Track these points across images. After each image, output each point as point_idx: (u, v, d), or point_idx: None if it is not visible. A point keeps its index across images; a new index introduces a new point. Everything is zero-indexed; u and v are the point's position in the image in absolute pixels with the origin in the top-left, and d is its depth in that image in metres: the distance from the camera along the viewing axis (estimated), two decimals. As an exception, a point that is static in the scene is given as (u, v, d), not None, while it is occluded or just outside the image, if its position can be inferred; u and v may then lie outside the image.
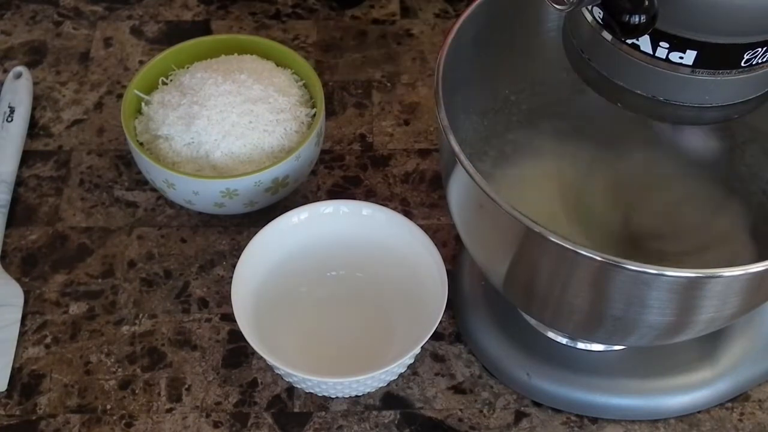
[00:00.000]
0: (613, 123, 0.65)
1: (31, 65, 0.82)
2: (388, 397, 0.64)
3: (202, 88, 0.70)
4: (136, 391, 0.64)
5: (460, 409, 0.64)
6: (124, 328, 0.67)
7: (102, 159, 0.76)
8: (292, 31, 0.85)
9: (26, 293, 0.69)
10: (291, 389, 0.64)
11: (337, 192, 0.74)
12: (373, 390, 0.63)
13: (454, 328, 0.67)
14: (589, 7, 0.49)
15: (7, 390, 0.64)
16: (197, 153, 0.69)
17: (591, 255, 0.48)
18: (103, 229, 0.72)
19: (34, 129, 0.78)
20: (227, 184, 0.67)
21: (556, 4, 0.46)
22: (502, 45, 0.61)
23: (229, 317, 0.67)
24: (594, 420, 0.63)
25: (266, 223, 0.65)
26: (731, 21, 0.45)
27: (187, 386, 0.65)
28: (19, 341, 0.66)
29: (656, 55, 0.48)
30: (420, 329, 0.60)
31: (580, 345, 0.64)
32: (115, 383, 0.65)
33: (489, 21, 0.59)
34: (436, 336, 0.66)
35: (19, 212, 0.73)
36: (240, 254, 0.63)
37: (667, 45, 0.47)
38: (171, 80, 0.73)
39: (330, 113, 0.79)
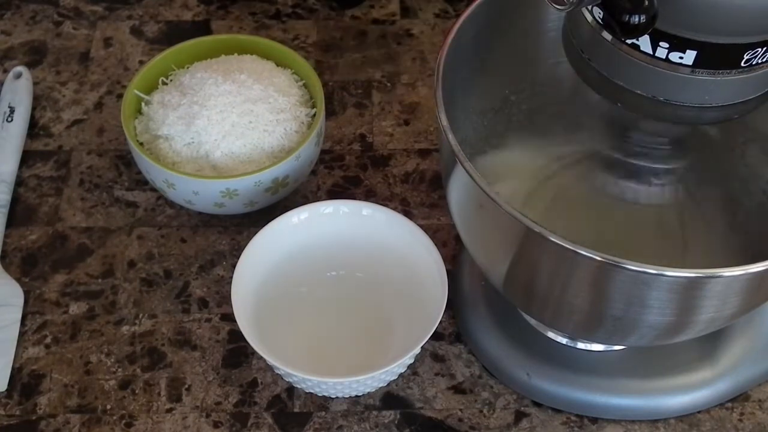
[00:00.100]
0: (612, 122, 0.65)
1: (31, 65, 0.82)
2: (388, 397, 0.64)
3: (202, 88, 0.70)
4: (136, 391, 0.64)
5: (460, 409, 0.64)
6: (124, 328, 0.67)
7: (102, 159, 0.76)
8: (292, 31, 0.85)
9: (26, 293, 0.69)
10: (291, 389, 0.64)
11: (337, 192, 0.74)
12: (373, 390, 0.63)
13: (454, 328, 0.67)
14: (589, 7, 0.49)
15: (7, 390, 0.64)
16: (197, 153, 0.69)
17: (591, 255, 0.48)
18: (103, 229, 0.72)
19: (34, 129, 0.78)
20: (227, 184, 0.67)
21: (556, 4, 0.46)
22: (502, 45, 0.61)
23: (229, 317, 0.67)
24: (594, 420, 0.63)
25: (266, 223, 0.65)
26: (731, 21, 0.45)
27: (187, 386, 0.65)
28: (19, 341, 0.66)
29: (656, 55, 0.48)
30: (420, 329, 0.60)
31: (580, 345, 0.64)
32: (115, 383, 0.65)
33: (489, 21, 0.59)
34: (436, 336, 0.66)
35: (19, 212, 0.73)
36: (240, 254, 0.63)
37: (667, 45, 0.47)
38: (171, 80, 0.73)
39: (330, 113, 0.79)
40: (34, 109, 0.79)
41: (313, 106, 0.72)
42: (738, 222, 0.64)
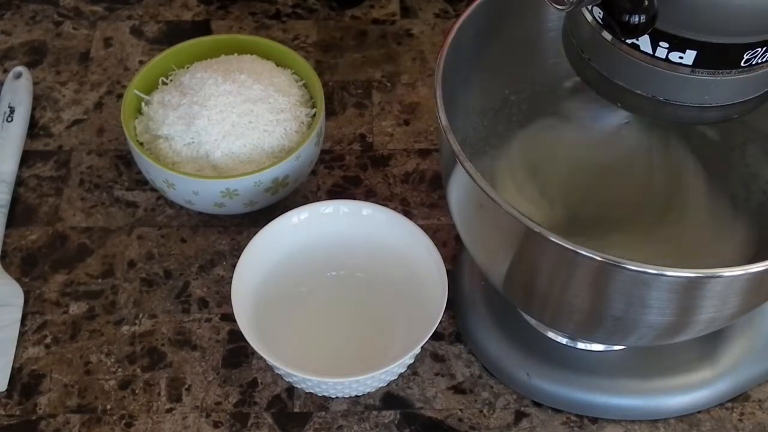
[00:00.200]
0: (612, 123, 0.65)
1: (31, 65, 0.82)
2: (388, 397, 0.64)
3: (202, 88, 0.70)
4: (136, 391, 0.64)
5: (460, 409, 0.64)
6: (124, 328, 0.67)
7: (102, 159, 0.76)
8: (292, 31, 0.85)
9: (26, 293, 0.69)
10: (291, 389, 0.64)
11: (337, 192, 0.74)
12: (373, 390, 0.63)
13: (454, 328, 0.67)
14: (589, 7, 0.49)
15: (7, 390, 0.64)
16: (197, 153, 0.69)
17: (591, 255, 0.48)
18: (103, 229, 0.72)
19: (34, 129, 0.78)
20: (227, 184, 0.67)
21: (556, 4, 0.46)
22: (502, 45, 0.61)
23: (229, 317, 0.67)
24: (594, 420, 0.63)
25: (266, 223, 0.65)
26: (731, 21, 0.45)
27: (187, 386, 0.65)
28: (19, 341, 0.66)
29: (656, 55, 0.48)
30: (420, 329, 0.60)
31: (580, 345, 0.64)
32: (115, 383, 0.65)
33: (489, 21, 0.59)
34: (436, 336, 0.66)
35: (19, 212, 0.73)
36: (240, 254, 0.63)
37: (666, 45, 0.47)
38: (171, 80, 0.73)
39: (330, 113, 0.79)
40: (34, 109, 0.79)
41: (313, 106, 0.72)
42: (738, 222, 0.64)
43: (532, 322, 0.65)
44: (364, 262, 0.67)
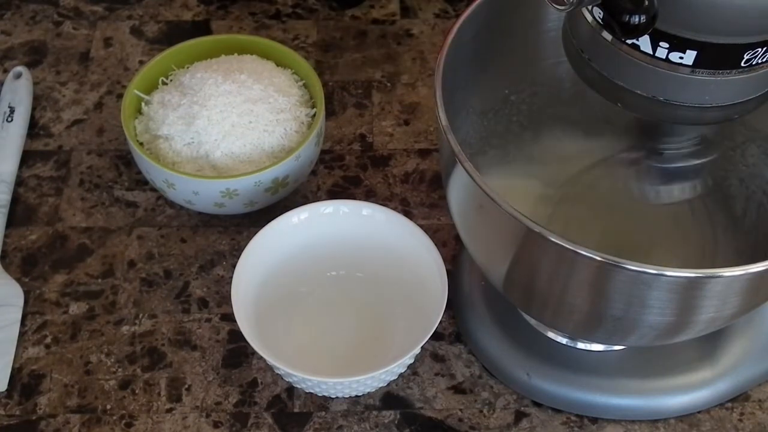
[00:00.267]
0: (612, 123, 0.65)
1: (31, 65, 0.82)
2: (388, 397, 0.64)
3: (202, 88, 0.70)
4: (136, 391, 0.64)
5: (460, 409, 0.64)
6: (124, 328, 0.67)
7: (102, 159, 0.76)
8: (292, 31, 0.85)
9: (26, 293, 0.69)
10: (291, 389, 0.64)
11: (337, 192, 0.74)
12: (373, 390, 0.63)
13: (454, 328, 0.67)
14: (589, 7, 0.49)
15: (7, 390, 0.64)
16: (197, 153, 0.69)
17: (591, 255, 0.48)
18: (103, 229, 0.72)
19: (34, 129, 0.78)
20: (227, 184, 0.67)
21: (556, 4, 0.46)
22: (502, 45, 0.61)
23: (229, 317, 0.67)
24: (594, 420, 0.63)
25: (266, 223, 0.65)
26: (731, 21, 0.45)
27: (187, 386, 0.65)
28: (19, 341, 0.66)
29: (656, 55, 0.48)
30: (420, 329, 0.60)
31: (580, 345, 0.64)
32: (115, 383, 0.65)
33: (489, 21, 0.59)
34: (436, 336, 0.66)
35: (19, 212, 0.73)
36: (240, 254, 0.63)
37: (667, 45, 0.47)
38: (171, 80, 0.73)
39: (330, 113, 0.79)
40: (34, 109, 0.79)
41: (313, 106, 0.72)
42: (738, 222, 0.64)
43: (532, 322, 0.65)
44: (364, 262, 0.67)
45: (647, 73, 0.49)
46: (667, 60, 0.48)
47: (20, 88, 0.79)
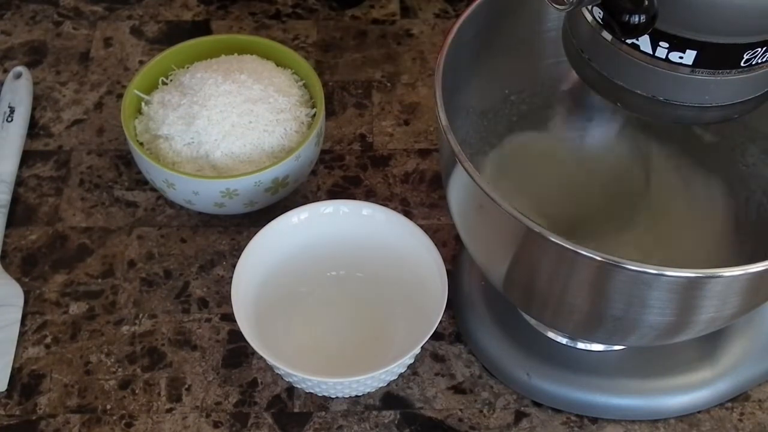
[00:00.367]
0: (613, 123, 0.65)
1: (31, 65, 0.82)
2: (388, 397, 0.64)
3: (202, 88, 0.70)
4: (136, 391, 0.64)
5: (460, 409, 0.64)
6: (124, 328, 0.67)
7: (102, 159, 0.76)
8: (292, 31, 0.85)
9: (26, 293, 0.69)
10: (291, 389, 0.64)
11: (337, 192, 0.74)
12: (373, 390, 0.63)
13: (454, 328, 0.67)
14: (589, 7, 0.49)
15: (7, 390, 0.64)
16: (197, 153, 0.69)
17: (591, 255, 0.48)
18: (103, 229, 0.72)
19: (34, 129, 0.78)
20: (227, 184, 0.67)
21: (556, 4, 0.46)
22: (502, 45, 0.61)
23: (229, 317, 0.67)
24: (594, 420, 0.63)
25: (266, 223, 0.65)
26: (731, 21, 0.45)
27: (187, 386, 0.65)
28: (19, 341, 0.66)
29: (656, 55, 0.48)
30: (420, 329, 0.60)
31: (580, 345, 0.64)
32: (115, 383, 0.65)
33: (489, 21, 0.59)
34: (436, 336, 0.66)
35: (19, 212, 0.73)
36: (240, 254, 0.63)
37: (666, 45, 0.47)
38: (171, 80, 0.73)
39: (330, 113, 0.79)
40: (34, 109, 0.79)
41: (313, 106, 0.72)
42: (738, 222, 0.64)
43: (532, 322, 0.65)
44: (364, 262, 0.67)
45: (647, 73, 0.49)
46: (666, 60, 0.48)
47: (20, 88, 0.79)
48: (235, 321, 0.60)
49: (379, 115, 0.79)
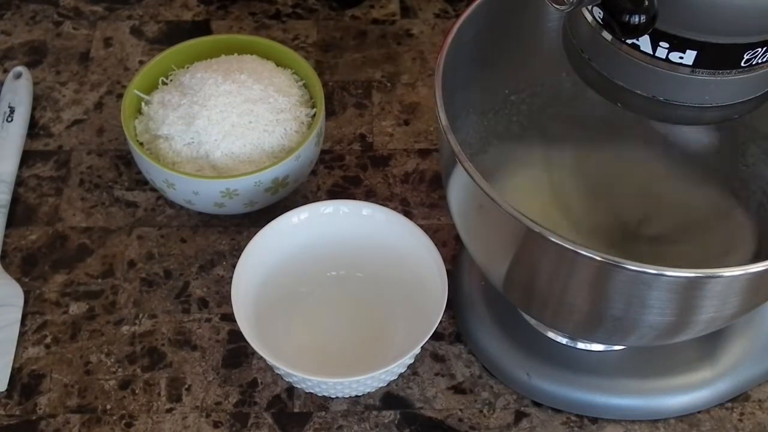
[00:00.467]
0: (613, 123, 0.65)
1: (31, 65, 0.82)
2: (388, 397, 0.64)
3: (202, 88, 0.70)
4: (136, 391, 0.64)
5: (460, 409, 0.64)
6: (124, 328, 0.67)
7: (102, 159, 0.76)
8: (292, 31, 0.85)
9: (26, 293, 0.69)
10: (291, 389, 0.64)
11: (337, 192, 0.74)
12: (373, 390, 0.63)
13: (454, 328, 0.67)
14: (589, 7, 0.49)
15: (7, 390, 0.64)
16: (197, 153, 0.69)
17: (591, 255, 0.48)
18: (103, 229, 0.72)
19: (34, 129, 0.78)
20: (227, 184, 0.67)
21: (556, 4, 0.46)
22: (502, 45, 0.61)
23: (229, 317, 0.67)
24: (594, 420, 0.63)
25: (266, 223, 0.65)
26: (731, 21, 0.45)
27: (187, 386, 0.65)
28: (19, 341, 0.66)
29: (656, 55, 0.48)
30: (420, 329, 0.60)
31: (580, 345, 0.64)
32: (115, 383, 0.65)
33: (489, 21, 0.59)
34: (436, 336, 0.66)
35: (19, 212, 0.73)
36: (240, 254, 0.63)
37: (667, 45, 0.47)
38: (171, 80, 0.73)
39: (330, 113, 0.79)
40: (34, 109, 0.79)
41: (313, 106, 0.72)
42: (738, 222, 0.64)
43: (532, 322, 0.65)
44: (364, 262, 0.67)
45: (647, 73, 0.49)
46: (667, 60, 0.48)
47: (20, 88, 0.79)
48: (235, 321, 0.60)
49: (379, 115, 0.79)
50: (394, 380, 0.64)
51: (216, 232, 0.72)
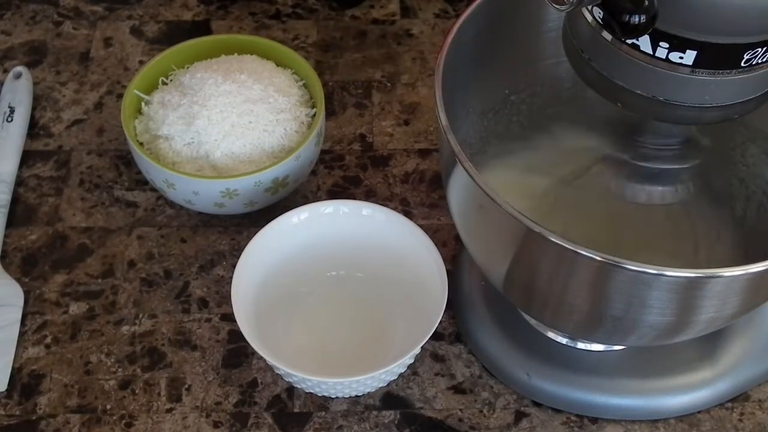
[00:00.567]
0: (612, 123, 0.65)
1: (31, 65, 0.82)
2: (388, 397, 0.64)
3: (202, 88, 0.70)
4: (136, 391, 0.64)
5: (460, 409, 0.64)
6: (124, 328, 0.67)
7: (102, 159, 0.76)
8: (292, 31, 0.85)
9: (26, 293, 0.69)
10: (291, 389, 0.64)
11: (337, 192, 0.74)
12: (373, 390, 0.63)
13: (454, 328, 0.67)
14: (589, 7, 0.49)
15: (7, 390, 0.64)
16: (197, 153, 0.69)
17: (591, 255, 0.48)
18: (103, 229, 0.72)
19: (34, 129, 0.78)
20: (227, 184, 0.67)
21: (556, 4, 0.46)
22: (502, 45, 0.61)
23: (229, 317, 0.67)
24: (594, 420, 0.63)
25: (266, 223, 0.65)
26: (731, 21, 0.45)
27: (187, 386, 0.65)
28: (19, 341, 0.66)
29: (656, 55, 0.48)
30: (420, 329, 0.60)
31: (580, 345, 0.64)
32: (115, 383, 0.65)
33: (489, 21, 0.59)
34: (436, 336, 0.66)
35: (19, 212, 0.73)
36: (240, 254, 0.63)
37: (667, 45, 0.47)
38: (171, 80, 0.73)
39: (330, 113, 0.79)
40: (34, 109, 0.79)
41: (313, 106, 0.72)
42: (738, 222, 0.64)
43: (532, 322, 0.65)
44: (364, 262, 0.67)
45: (647, 73, 0.49)
46: (667, 60, 0.48)
47: (20, 88, 0.79)
48: (235, 321, 0.60)
49: (379, 115, 0.79)
50: (394, 380, 0.64)
51: (216, 232, 0.72)
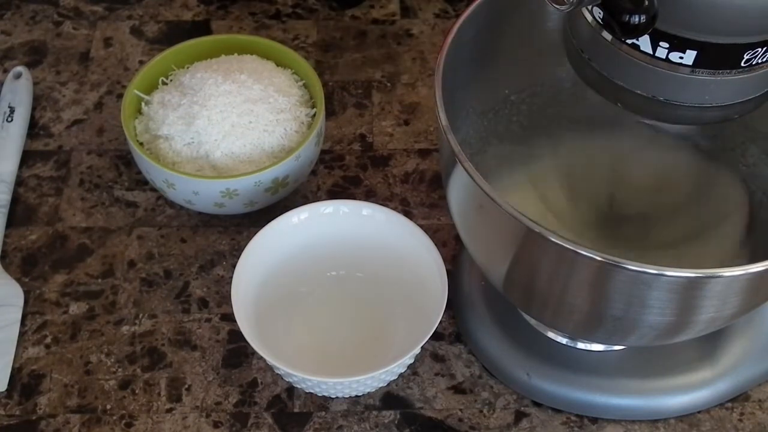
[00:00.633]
0: (612, 123, 0.65)
1: (31, 65, 0.82)
2: (388, 397, 0.64)
3: (202, 88, 0.70)
4: (136, 391, 0.64)
5: (460, 409, 0.64)
6: (124, 328, 0.67)
7: (102, 159, 0.77)
8: (292, 31, 0.85)
9: (26, 293, 0.69)
10: (291, 389, 0.64)
11: (337, 192, 0.74)
12: (373, 390, 0.63)
13: (454, 328, 0.67)
14: (589, 7, 0.49)
15: (7, 390, 0.64)
16: (197, 153, 0.69)
17: (591, 255, 0.48)
18: (103, 229, 0.72)
19: (34, 129, 0.78)
20: (227, 184, 0.67)
21: (556, 4, 0.46)
22: (502, 45, 0.61)
23: (229, 317, 0.67)
24: (594, 420, 0.63)
25: (266, 223, 0.65)
26: (731, 21, 0.45)
27: (187, 386, 0.65)
28: (19, 341, 0.66)
29: (656, 55, 0.48)
30: (420, 329, 0.60)
31: (580, 345, 0.64)
32: (115, 383, 0.65)
33: (489, 21, 0.59)
34: (436, 336, 0.66)
35: (19, 212, 0.73)
36: (240, 254, 0.63)
37: (667, 45, 0.47)
38: (171, 80, 0.73)
39: (330, 113, 0.79)
40: (34, 109, 0.79)
41: (313, 106, 0.72)
42: (738, 222, 0.64)
43: (532, 322, 0.65)
44: (364, 262, 0.67)
45: (647, 73, 0.49)
46: (667, 60, 0.48)
47: (20, 88, 0.79)
48: (235, 321, 0.60)
49: (379, 115, 0.79)
50: (394, 380, 0.64)
51: (216, 232, 0.72)
